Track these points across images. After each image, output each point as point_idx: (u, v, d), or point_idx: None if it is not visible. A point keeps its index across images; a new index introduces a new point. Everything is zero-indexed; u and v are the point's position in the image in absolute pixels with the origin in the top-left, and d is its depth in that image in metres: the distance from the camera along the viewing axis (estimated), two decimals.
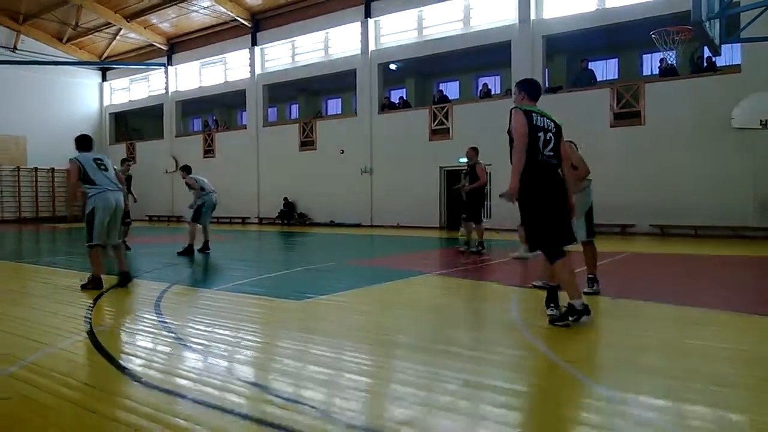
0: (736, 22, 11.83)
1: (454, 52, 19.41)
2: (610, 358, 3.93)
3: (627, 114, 16.17)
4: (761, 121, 14.08)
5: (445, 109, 19.42)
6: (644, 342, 4.33)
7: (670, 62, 15.49)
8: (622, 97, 16.20)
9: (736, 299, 6.21)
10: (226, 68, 25.99)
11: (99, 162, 6.80)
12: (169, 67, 27.54)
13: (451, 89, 22.97)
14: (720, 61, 15.71)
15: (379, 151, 20.66)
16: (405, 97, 22.45)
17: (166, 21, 25.60)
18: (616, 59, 19.93)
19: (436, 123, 19.48)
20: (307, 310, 5.70)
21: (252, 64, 24.47)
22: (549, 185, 4.79)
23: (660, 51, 13.84)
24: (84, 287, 6.65)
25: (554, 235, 4.76)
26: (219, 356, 3.96)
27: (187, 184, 11.25)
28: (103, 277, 6.84)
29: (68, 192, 6.81)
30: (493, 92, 20.29)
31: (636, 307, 5.68)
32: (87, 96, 30.32)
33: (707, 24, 8.53)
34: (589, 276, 6.21)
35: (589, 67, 18.13)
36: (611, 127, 16.32)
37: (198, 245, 10.86)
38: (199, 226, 11.09)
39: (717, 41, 9.34)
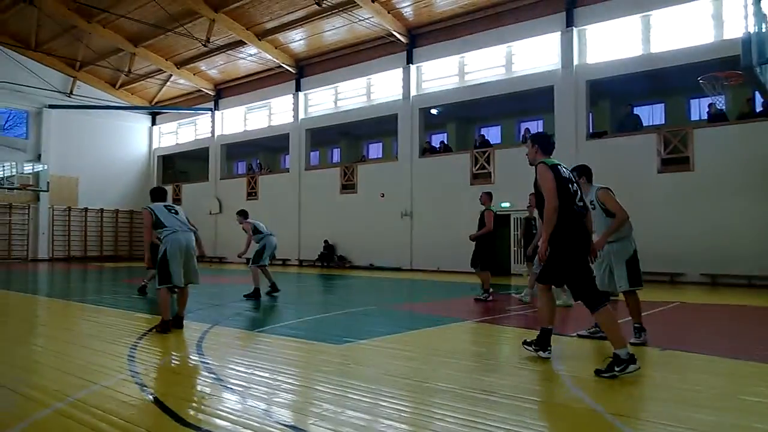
0: None
1: (496, 97, 19.49)
2: (658, 412, 3.74)
3: (675, 159, 15.78)
4: None
5: (486, 154, 19.42)
6: (694, 396, 4.15)
7: (719, 107, 15.15)
8: (670, 142, 15.86)
9: None
10: (271, 113, 26.76)
11: (170, 208, 7.03)
12: (216, 112, 28.58)
13: (493, 134, 23.02)
14: None
15: (420, 195, 20.72)
16: (446, 142, 22.59)
17: (214, 68, 26.70)
18: (663, 104, 19.65)
19: (477, 167, 19.47)
20: (346, 354, 5.63)
21: (295, 109, 25.14)
22: (582, 235, 4.94)
23: (708, 96, 13.60)
24: (157, 330, 6.61)
25: (593, 284, 4.80)
26: (258, 398, 3.95)
27: (243, 228, 11.38)
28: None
29: (144, 238, 7.06)
30: None
31: (686, 360, 5.46)
32: (137, 139, 31.56)
33: (758, 69, 8.36)
34: (636, 325, 6.02)
35: (635, 112, 17.92)
36: (659, 173, 15.96)
37: (264, 288, 10.88)
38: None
39: None
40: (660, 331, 7.83)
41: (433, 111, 21.74)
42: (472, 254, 10.33)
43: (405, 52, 21.33)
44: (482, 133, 22.38)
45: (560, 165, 5.07)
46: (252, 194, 26.87)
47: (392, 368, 5.04)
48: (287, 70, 24.55)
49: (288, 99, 25.53)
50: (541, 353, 5.25)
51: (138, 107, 30.53)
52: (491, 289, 10.07)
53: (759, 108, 15.49)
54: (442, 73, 20.85)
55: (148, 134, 32.14)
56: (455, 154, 20.80)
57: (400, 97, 21.57)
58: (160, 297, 6.73)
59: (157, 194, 7.33)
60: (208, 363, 4.76)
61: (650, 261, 15.06)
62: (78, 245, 28.60)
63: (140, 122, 31.80)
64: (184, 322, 6.86)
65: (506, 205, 17.93)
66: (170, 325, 6.65)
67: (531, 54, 18.76)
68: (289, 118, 25.53)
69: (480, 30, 19.43)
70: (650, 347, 5.83)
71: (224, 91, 28.35)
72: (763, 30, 8.52)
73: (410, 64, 21.26)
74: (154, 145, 32.12)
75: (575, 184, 5.07)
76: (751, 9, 8.08)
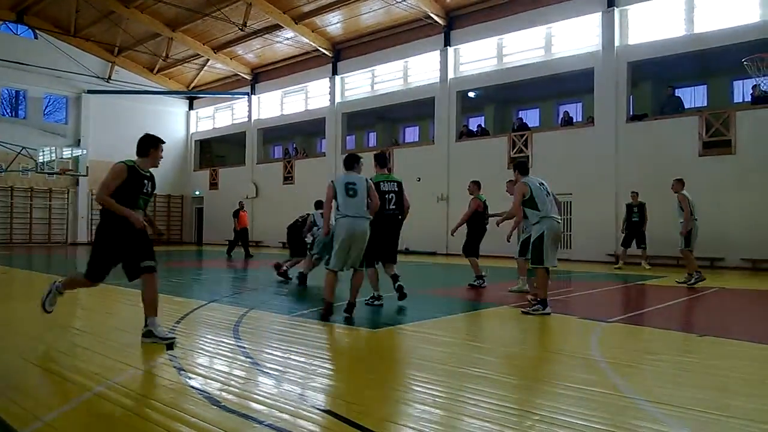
0: None
1: (535, 80, 19.17)
2: (694, 398, 3.69)
3: (717, 143, 15.34)
4: None
5: (524, 137, 19.14)
6: (731, 383, 4.12)
7: (763, 89, 14.60)
8: (712, 125, 15.39)
9: None
10: (307, 97, 26.87)
11: (350, 185, 6.64)
12: (252, 96, 28.84)
13: (531, 117, 22.64)
14: None
15: (456, 179, 20.56)
16: (483, 125, 22.33)
17: (251, 52, 26.90)
18: (705, 86, 18.99)
19: (515, 151, 19.22)
20: (381, 339, 5.69)
21: (332, 93, 25.18)
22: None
23: (752, 77, 13.14)
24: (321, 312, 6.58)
25: None
26: (294, 383, 4.01)
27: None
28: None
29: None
30: (574, 120, 19.82)
31: (724, 346, 5.39)
32: (175, 123, 32.05)
33: None
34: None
35: (676, 94, 17.39)
36: (700, 156, 15.52)
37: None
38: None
39: None
40: (699, 317, 7.70)
41: (471, 94, 21.50)
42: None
43: (442, 35, 21.09)
44: (520, 116, 22.02)
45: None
46: (288, 178, 27.13)
47: (427, 353, 5.07)
48: (324, 53, 24.57)
49: (324, 83, 25.57)
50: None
51: (175, 92, 31.05)
52: (484, 273, 9.86)
53: None
54: (479, 56, 20.58)
55: (186, 119, 32.65)
56: (493, 138, 20.56)
57: (437, 80, 21.37)
58: (326, 279, 6.66)
59: (348, 161, 7.02)
60: (244, 347, 4.86)
61: (698, 247, 14.77)
62: None
63: (177, 107, 32.31)
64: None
65: None
66: (332, 309, 6.50)
67: (571, 35, 18.35)
68: (325, 102, 25.60)
69: (519, 11, 19.06)
70: (689, 333, 5.74)
71: (261, 75, 28.56)
72: None
73: (447, 47, 21.02)
74: (192, 130, 32.64)
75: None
76: None
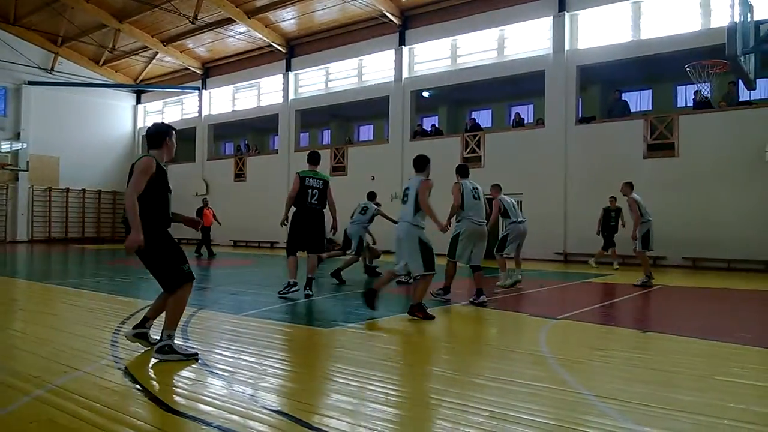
0: None
1: (488, 81, 19.44)
2: (639, 393, 3.82)
3: (661, 145, 15.94)
4: None
5: (477, 138, 19.40)
6: (674, 378, 4.26)
7: (704, 95, 15.27)
8: (656, 128, 15.99)
9: None
10: (260, 93, 26.49)
11: (475, 190, 8.01)
12: (203, 91, 28.23)
13: (484, 118, 22.99)
14: (755, 95, 15.43)
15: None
16: (437, 125, 22.54)
17: (202, 45, 26.30)
18: (650, 90, 19.73)
19: (468, 151, 19.46)
20: (335, 338, 5.65)
21: (285, 89, 24.90)
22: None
23: (694, 83, 13.72)
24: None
25: None
26: (244, 383, 3.94)
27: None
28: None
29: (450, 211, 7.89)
30: (525, 121, 20.23)
31: (667, 342, 5.59)
32: (121, 118, 31.04)
33: (742, 58, 8.41)
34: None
35: (623, 98, 17.98)
36: (645, 158, 16.09)
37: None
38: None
39: (752, 75, 9.21)
40: (644, 314, 7.97)
41: (425, 93, 21.64)
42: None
43: (397, 34, 21.15)
44: (473, 116, 22.32)
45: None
46: (240, 176, 26.70)
47: (380, 352, 5.06)
48: (277, 49, 24.26)
49: (278, 79, 25.26)
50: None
51: (122, 85, 30.02)
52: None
53: (742, 97, 15.67)
54: (434, 56, 20.75)
55: (133, 113, 31.66)
56: (446, 138, 20.76)
57: (392, 79, 21.43)
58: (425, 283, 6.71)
59: (462, 170, 8.37)
60: (193, 348, 4.74)
61: (632, 244, 15.30)
62: (58, 226, 28.12)
63: (124, 101, 31.29)
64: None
65: None
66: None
67: (523, 38, 18.71)
68: (278, 99, 25.30)
69: (472, 13, 19.30)
70: (634, 330, 5.94)
71: (212, 70, 27.98)
72: (748, 20, 8.55)
73: (402, 46, 21.10)
74: (139, 125, 31.65)
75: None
76: None
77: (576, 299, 9.22)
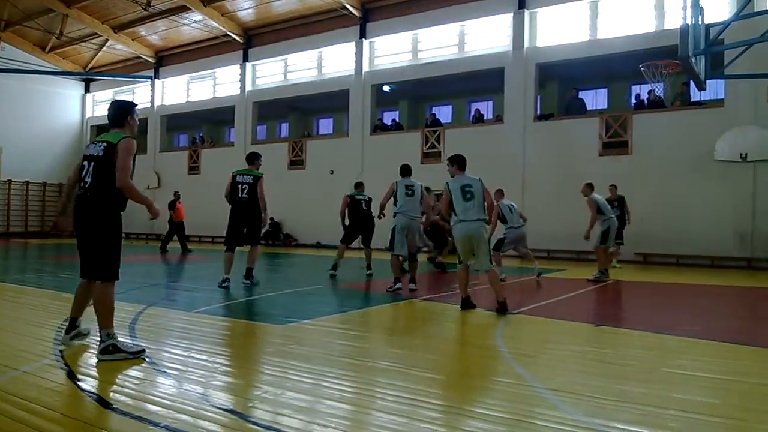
0: (720, 59, 12.08)
1: (448, 77, 19.51)
2: (590, 385, 3.92)
3: (615, 143, 16.33)
4: (741, 154, 14.33)
5: (437, 133, 19.47)
6: (624, 370, 4.38)
7: (657, 94, 15.77)
8: (611, 126, 16.38)
9: (716, 328, 6.33)
10: (216, 83, 25.91)
11: (409, 187, 8.41)
12: (156, 81, 27.42)
13: (444, 113, 23.08)
14: (705, 96, 15.97)
15: (370, 173, 20.56)
16: (398, 120, 22.52)
17: (155, 33, 25.50)
18: (606, 89, 20.19)
19: (428, 146, 19.52)
20: (289, 335, 5.55)
21: (242, 81, 24.43)
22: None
23: (648, 83, 14.09)
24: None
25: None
26: (195, 382, 3.83)
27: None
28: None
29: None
30: (485, 117, 20.43)
31: (618, 335, 5.75)
32: (68, 107, 29.81)
33: (693, 60, 8.66)
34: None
35: (580, 96, 18.34)
36: (600, 155, 16.47)
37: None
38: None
39: (702, 76, 9.50)
40: (596, 308, 8.15)
41: (386, 88, 21.58)
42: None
43: (358, 27, 20.99)
44: (433, 112, 22.40)
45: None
46: (194, 168, 26.10)
47: (336, 348, 5.03)
48: (234, 39, 23.75)
49: (234, 70, 24.76)
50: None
51: (70, 73, 28.81)
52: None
53: (694, 97, 16.20)
54: (395, 50, 20.68)
55: (81, 102, 30.48)
56: (406, 132, 20.78)
57: (352, 72, 21.27)
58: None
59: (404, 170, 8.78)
60: (141, 346, 4.58)
61: (589, 240, 15.68)
62: (0, 220, 26.91)
63: (72, 89, 30.05)
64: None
65: None
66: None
67: (483, 34, 18.82)
68: (235, 90, 24.80)
69: (433, 7, 19.31)
70: (586, 323, 6.06)
71: (166, 59, 27.20)
72: (700, 23, 8.81)
73: (363, 39, 20.96)
74: (88, 114, 30.51)
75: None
76: (689, 1, 8.33)
77: (531, 294, 9.36)
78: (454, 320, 6.69)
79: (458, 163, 7.27)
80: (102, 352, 4.21)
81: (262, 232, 9.70)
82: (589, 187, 10.74)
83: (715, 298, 8.87)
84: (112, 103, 4.57)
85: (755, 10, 12.18)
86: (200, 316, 6.30)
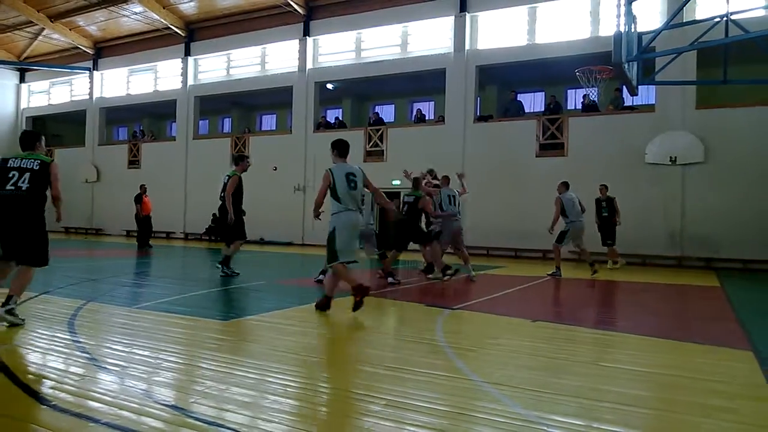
0: (651, 65, 12.71)
1: (391, 76, 19.72)
2: (529, 378, 4.06)
3: (551, 145, 16.95)
4: (671, 157, 15.15)
5: (380, 132, 19.63)
6: (559, 364, 4.54)
7: (592, 99, 16.40)
8: (548, 129, 16.97)
9: (645, 324, 6.63)
10: (157, 77, 25.22)
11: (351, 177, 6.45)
12: (95, 72, 26.46)
13: (387, 112, 23.25)
14: (637, 101, 16.78)
15: (314, 170, 20.56)
16: (341, 118, 22.54)
17: (94, 24, 24.59)
18: (543, 92, 20.85)
19: (371, 145, 19.65)
20: (233, 331, 5.54)
21: (184, 74, 23.88)
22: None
23: (583, 87, 14.68)
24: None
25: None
26: (137, 378, 3.77)
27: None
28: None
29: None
30: (427, 118, 20.73)
31: (555, 330, 5.94)
32: (2, 97, 28.54)
33: (626, 66, 9.09)
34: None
35: (518, 99, 18.88)
36: (537, 156, 17.03)
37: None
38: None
39: (634, 82, 9.96)
40: (534, 304, 8.44)
41: (329, 86, 21.56)
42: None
43: (302, 24, 20.89)
44: (377, 110, 22.54)
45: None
46: (134, 162, 25.32)
47: (280, 343, 5.03)
48: (176, 32, 23.18)
49: (176, 63, 24.17)
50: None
51: (3, 62, 27.46)
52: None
53: (627, 102, 17.00)
54: (339, 48, 20.71)
55: (16, 92, 29.13)
56: (350, 131, 20.80)
57: (296, 69, 21.16)
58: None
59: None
60: (80, 342, 4.48)
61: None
62: None
63: (6, 78, 28.67)
64: (54, 297, 6.40)
65: (397, 183, 18.28)
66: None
67: (426, 35, 19.12)
68: (177, 84, 24.21)
69: (377, 7, 19.47)
70: (524, 319, 6.29)
71: (105, 51, 26.26)
72: (633, 30, 9.27)
73: (307, 37, 20.88)
74: (23, 105, 29.18)
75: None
76: (623, 9, 8.73)
77: (473, 290, 9.60)
78: (396, 315, 6.82)
79: (339, 149, 6.66)
80: (8, 312, 5.09)
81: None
82: (564, 186, 11.13)
83: (645, 295, 9.33)
84: (22, 133, 5.79)
85: (684, 20, 12.88)
86: (143, 312, 6.19)
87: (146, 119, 28.83)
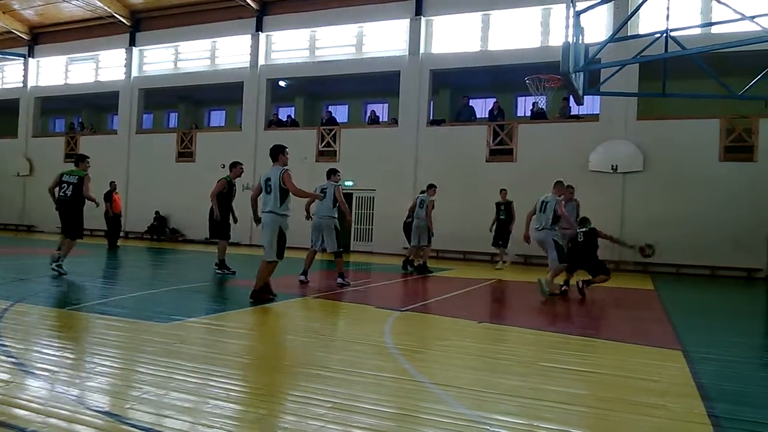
0: (597, 76, 13.12)
1: (345, 76, 19.63)
2: (472, 379, 4.14)
3: (501, 150, 17.27)
4: (613, 166, 15.69)
5: (333, 132, 19.50)
6: (502, 365, 4.67)
7: (540, 106, 16.83)
8: (498, 134, 17.28)
9: (587, 325, 6.92)
10: (98, 67, 24.24)
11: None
12: (30, 59, 25.21)
13: (340, 112, 23.14)
14: (583, 110, 17.28)
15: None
16: (293, 116, 22.28)
17: (31, 8, 23.38)
18: (495, 99, 21.20)
19: (323, 144, 19.49)
20: (174, 334, 5.33)
21: (128, 66, 23.04)
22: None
23: (533, 95, 15.01)
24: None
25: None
26: (69, 384, 3.58)
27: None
28: None
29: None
30: (380, 119, 20.75)
31: (499, 331, 6.06)
32: None
33: (573, 75, 9.32)
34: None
35: (470, 104, 19.14)
36: (487, 161, 17.30)
37: None
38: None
39: (581, 92, 10.24)
40: (479, 306, 8.55)
41: (282, 83, 21.28)
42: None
43: (255, 19, 20.53)
44: (330, 110, 22.39)
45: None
46: (71, 156, 24.11)
47: (224, 347, 4.91)
48: (120, 21, 22.33)
49: (120, 53, 23.30)
50: None
51: None
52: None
53: (573, 111, 17.47)
54: (292, 46, 20.47)
55: None
56: (302, 129, 20.62)
57: (248, 65, 20.77)
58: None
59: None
60: (5, 346, 4.21)
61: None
62: None
63: None
64: None
65: (350, 183, 18.23)
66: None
67: (381, 37, 19.13)
68: (120, 75, 23.34)
69: (332, 6, 19.34)
70: (469, 321, 6.37)
71: (42, 37, 25.03)
72: (580, 41, 9.52)
73: (260, 32, 20.53)
74: None
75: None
76: (571, 21, 8.94)
77: (422, 292, 9.65)
78: (344, 317, 6.76)
79: (270, 154, 7.28)
80: (58, 266, 7.07)
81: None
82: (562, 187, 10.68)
83: (585, 298, 9.60)
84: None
85: (629, 34, 13.34)
86: (76, 314, 5.90)
87: (86, 111, 27.67)
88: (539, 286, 8.48)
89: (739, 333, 7.00)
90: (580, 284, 8.89)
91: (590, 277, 9.11)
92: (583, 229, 9.32)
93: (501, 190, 14.44)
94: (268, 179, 7.00)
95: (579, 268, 9.22)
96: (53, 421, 2.92)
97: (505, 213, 14.25)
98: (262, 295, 6.89)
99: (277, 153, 7.19)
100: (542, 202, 8.93)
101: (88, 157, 9.75)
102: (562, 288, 9.05)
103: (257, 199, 7.31)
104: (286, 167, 7.09)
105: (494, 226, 14.39)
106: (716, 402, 3.67)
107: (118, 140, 23.18)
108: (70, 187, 9.24)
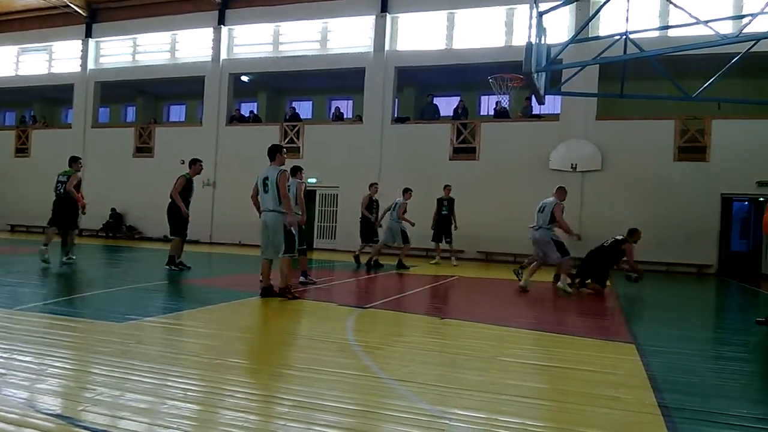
0: (558, 76, 13.35)
1: (310, 72, 19.52)
2: (433, 375, 4.16)
3: (464, 149, 17.42)
4: (572, 165, 16.01)
5: (296, 128, 19.34)
6: (463, 360, 4.69)
7: (503, 105, 17.04)
8: (461, 133, 17.42)
9: (546, 320, 7.07)
10: (52, 58, 23.48)
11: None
12: None
13: (304, 108, 22.96)
14: (544, 110, 17.55)
15: (224, 165, 19.91)
16: (256, 111, 22.00)
17: None
18: (459, 97, 21.36)
19: (286, 140, 19.30)
20: (129, 333, 5.18)
21: (84, 58, 22.39)
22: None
23: (496, 94, 15.19)
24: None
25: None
26: (17, 386, 3.42)
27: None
28: None
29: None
30: (345, 116, 20.66)
31: (461, 327, 6.11)
32: None
33: (535, 75, 9.46)
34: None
35: (435, 102, 19.25)
36: (450, 159, 17.43)
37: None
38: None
39: (542, 91, 10.39)
40: (441, 302, 8.61)
41: (244, 78, 20.99)
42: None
43: (217, 12, 20.21)
44: (293, 106, 22.21)
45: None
46: (22, 150, 23.44)
47: (182, 346, 4.80)
48: (76, 11, 21.67)
49: (75, 45, 22.61)
50: None
51: None
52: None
53: (535, 110, 17.75)
54: (255, 40, 20.23)
55: None
56: (265, 125, 20.38)
57: (209, 59, 20.43)
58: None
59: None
60: None
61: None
62: None
63: None
64: None
65: (313, 180, 18.11)
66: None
67: (346, 33, 19.07)
68: (75, 67, 22.65)
69: (297, 0, 19.18)
70: (432, 317, 6.40)
71: None
72: (543, 42, 9.66)
73: (222, 26, 20.21)
74: None
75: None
76: (534, 21, 9.07)
77: (385, 289, 9.65)
78: (306, 316, 6.70)
79: (268, 154, 7.34)
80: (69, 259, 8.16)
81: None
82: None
83: (547, 294, 9.77)
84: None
85: (589, 36, 13.61)
86: (25, 314, 5.66)
87: (38, 104, 26.75)
88: (560, 291, 9.11)
89: (688, 327, 7.24)
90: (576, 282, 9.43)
91: (589, 280, 9.51)
92: (618, 237, 9.70)
93: (445, 186, 14.37)
94: (266, 178, 7.07)
95: (590, 274, 9.57)
96: (2, 426, 2.80)
97: (447, 209, 14.21)
98: (286, 293, 7.02)
99: (275, 153, 7.28)
100: (542, 204, 9.48)
101: (80, 158, 10.79)
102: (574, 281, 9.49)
103: (257, 199, 7.47)
104: (283, 167, 7.18)
105: (435, 222, 14.23)
106: (666, 393, 3.78)
107: (73, 134, 22.50)
108: (63, 185, 10.20)
